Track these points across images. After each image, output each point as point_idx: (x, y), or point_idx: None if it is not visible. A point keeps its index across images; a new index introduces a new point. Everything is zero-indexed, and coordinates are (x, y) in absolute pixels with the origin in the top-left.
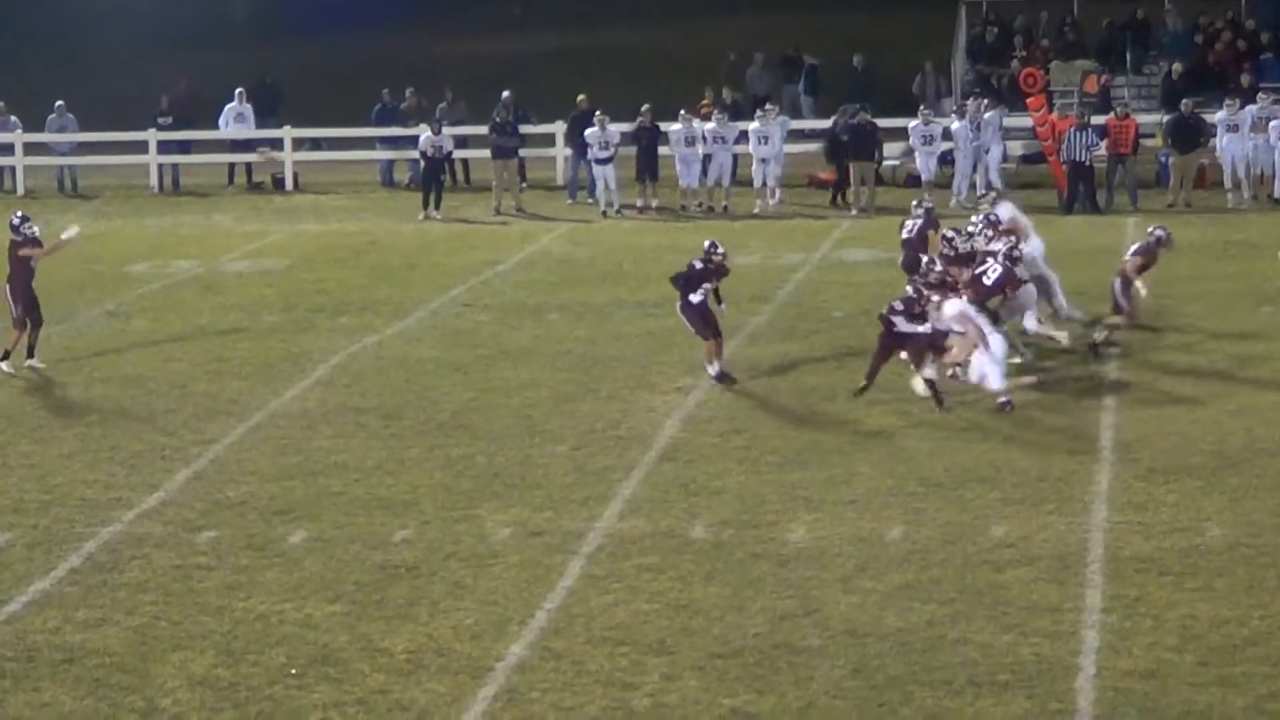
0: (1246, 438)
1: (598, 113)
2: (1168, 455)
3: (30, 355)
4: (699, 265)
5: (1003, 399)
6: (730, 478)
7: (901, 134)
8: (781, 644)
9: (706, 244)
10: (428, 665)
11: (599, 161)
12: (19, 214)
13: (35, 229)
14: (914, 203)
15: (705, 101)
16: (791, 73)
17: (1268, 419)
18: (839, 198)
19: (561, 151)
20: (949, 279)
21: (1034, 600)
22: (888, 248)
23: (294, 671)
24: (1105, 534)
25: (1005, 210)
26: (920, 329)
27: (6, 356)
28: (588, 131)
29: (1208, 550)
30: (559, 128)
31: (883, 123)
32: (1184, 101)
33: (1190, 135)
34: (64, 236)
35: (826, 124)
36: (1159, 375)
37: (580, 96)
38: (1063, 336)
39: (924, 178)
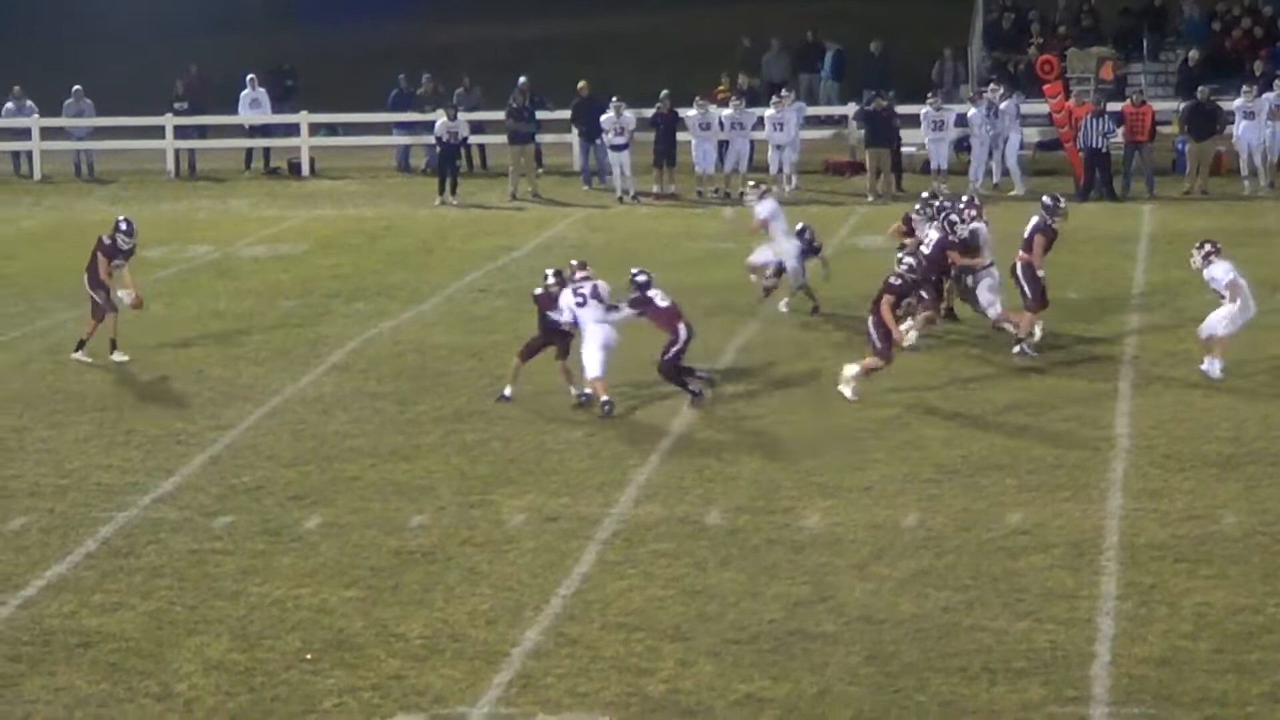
0: (1263, 425)
1: (614, 99)
2: (1183, 443)
3: (113, 349)
4: (539, 292)
5: (604, 400)
6: (745, 464)
7: (917, 121)
8: (796, 630)
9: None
10: (443, 650)
11: (614, 148)
12: (125, 220)
13: (132, 242)
14: (749, 184)
15: (722, 87)
16: (810, 59)
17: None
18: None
19: (577, 137)
20: None
21: (1049, 587)
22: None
23: (309, 656)
24: (1120, 521)
25: (765, 207)
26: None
27: (81, 346)
28: (603, 117)
29: (1223, 538)
30: (575, 112)
31: (900, 109)
32: (1200, 89)
33: (1206, 123)
34: (122, 295)
35: (846, 110)
36: (1175, 363)
37: (581, 83)
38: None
39: (935, 165)
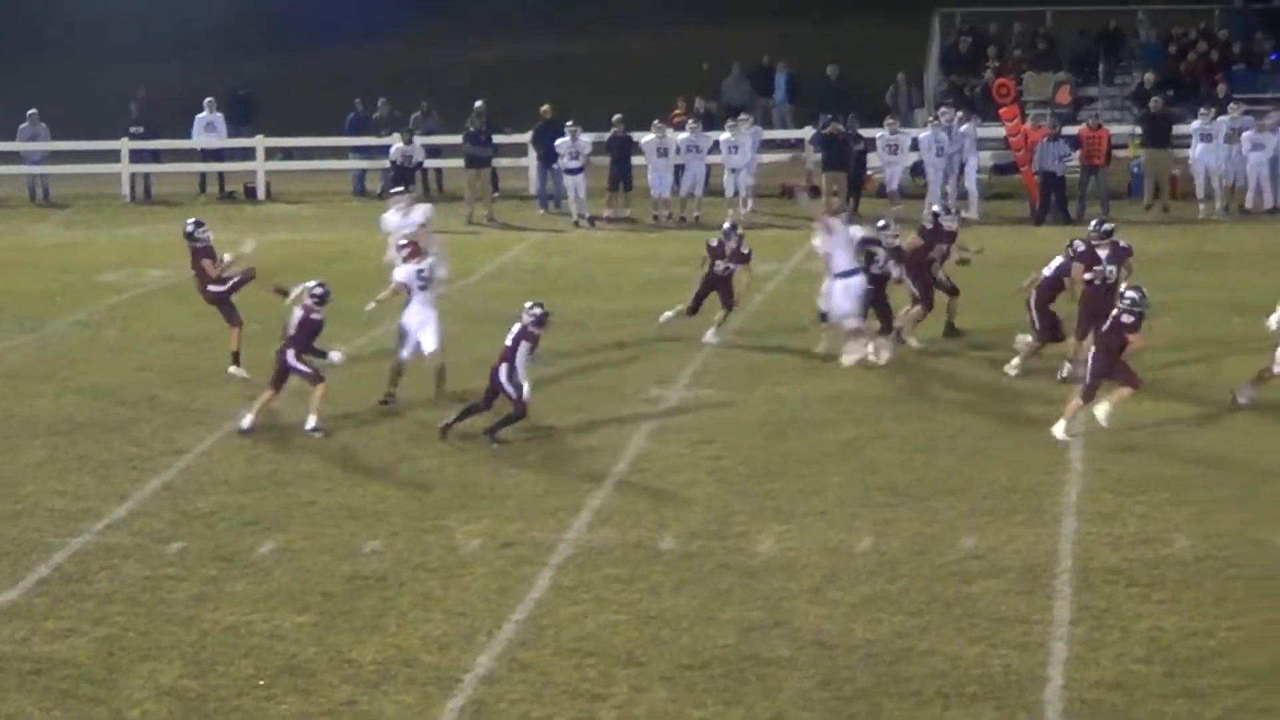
0: (1216, 449)
1: (569, 123)
2: (1137, 467)
3: (235, 362)
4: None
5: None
6: (700, 489)
7: (873, 144)
8: (750, 655)
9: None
10: (396, 676)
11: (569, 172)
12: (192, 221)
13: (207, 232)
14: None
15: (678, 111)
16: (767, 83)
17: (1237, 431)
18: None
19: (534, 161)
20: None
21: (1002, 611)
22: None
23: (262, 683)
24: (1074, 545)
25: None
26: None
27: (236, 360)
28: (558, 142)
29: (1176, 562)
30: (535, 136)
31: (859, 132)
32: (1154, 99)
33: (1162, 131)
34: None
35: (804, 134)
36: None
37: (544, 107)
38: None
39: (890, 189)
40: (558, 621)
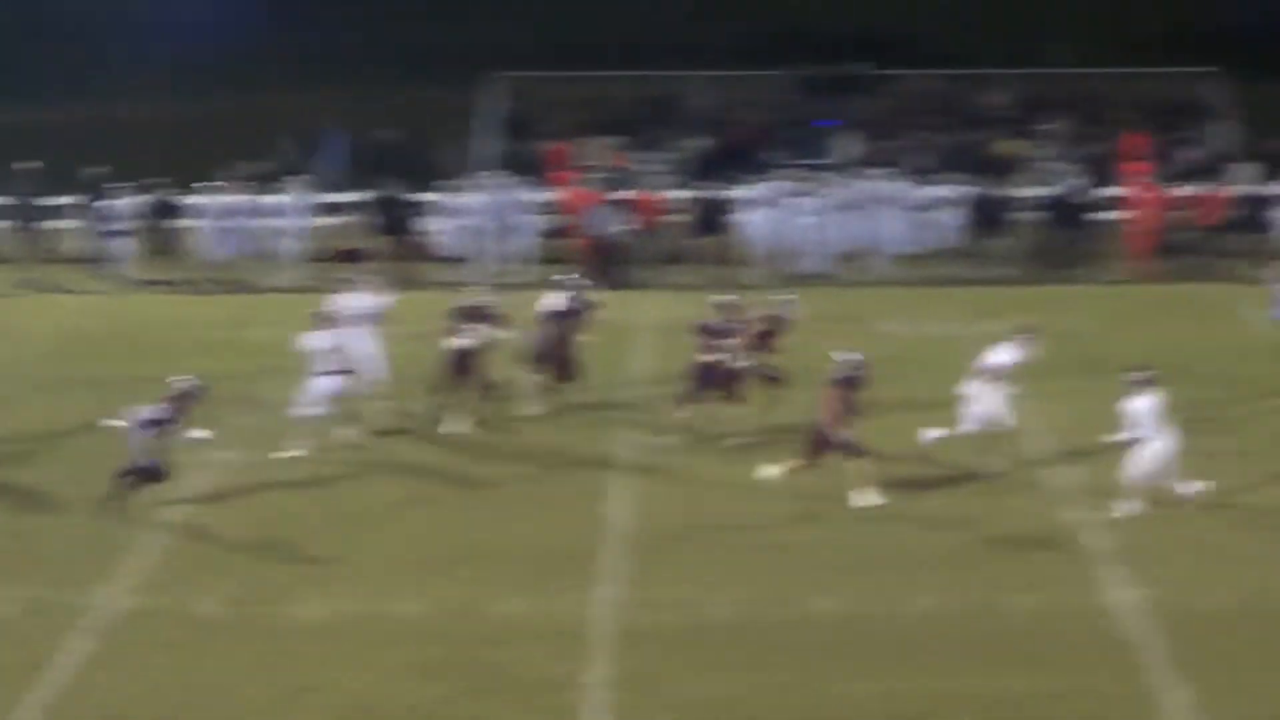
0: (756, 514)
1: (118, 185)
2: (675, 532)
3: None
4: None
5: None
6: (242, 553)
7: (429, 208)
8: None
9: None
10: None
11: (118, 234)
12: None
13: None
14: None
15: (230, 175)
16: (323, 146)
17: (778, 495)
18: None
19: (85, 223)
20: None
21: (540, 676)
22: (410, 322)
23: None
24: (613, 610)
25: None
26: None
27: None
28: (107, 204)
29: (713, 626)
30: (82, 199)
31: (412, 197)
32: (704, 184)
33: (711, 217)
34: None
35: (358, 197)
36: (669, 453)
37: (97, 169)
38: None
39: (443, 253)
40: (93, 688)
